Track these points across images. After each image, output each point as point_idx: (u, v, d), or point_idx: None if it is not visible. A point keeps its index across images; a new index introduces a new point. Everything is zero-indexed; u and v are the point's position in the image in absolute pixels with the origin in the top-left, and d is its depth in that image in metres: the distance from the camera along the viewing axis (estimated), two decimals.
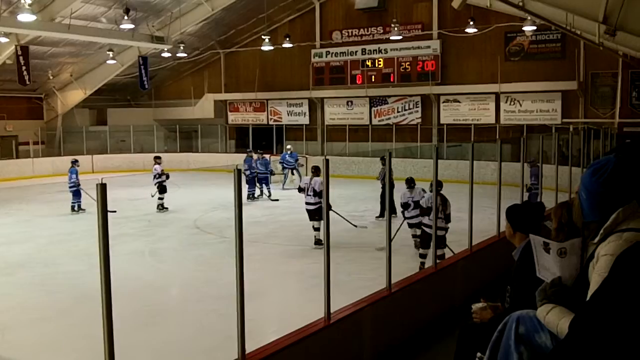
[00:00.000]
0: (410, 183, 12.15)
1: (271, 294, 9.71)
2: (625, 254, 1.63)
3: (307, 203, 13.10)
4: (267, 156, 21.51)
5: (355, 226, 13.76)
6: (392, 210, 15.05)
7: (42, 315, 8.89)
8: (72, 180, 17.92)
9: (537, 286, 2.84)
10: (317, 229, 12.78)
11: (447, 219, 10.16)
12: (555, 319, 2.51)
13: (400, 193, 12.18)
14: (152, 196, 18.27)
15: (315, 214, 12.84)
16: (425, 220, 10.32)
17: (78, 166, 18.48)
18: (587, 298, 2.21)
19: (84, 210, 17.70)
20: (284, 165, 23.33)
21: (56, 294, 9.99)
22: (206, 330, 8.17)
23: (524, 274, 3.61)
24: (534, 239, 3.00)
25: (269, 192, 20.39)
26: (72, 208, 17.87)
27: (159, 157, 19.23)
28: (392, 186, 14.68)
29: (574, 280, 2.67)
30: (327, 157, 6.02)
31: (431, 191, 12.03)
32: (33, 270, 11.52)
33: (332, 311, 5.65)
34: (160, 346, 7.67)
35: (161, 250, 13.48)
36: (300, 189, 13.71)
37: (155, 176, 18.28)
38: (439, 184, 10.07)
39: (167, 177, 18.43)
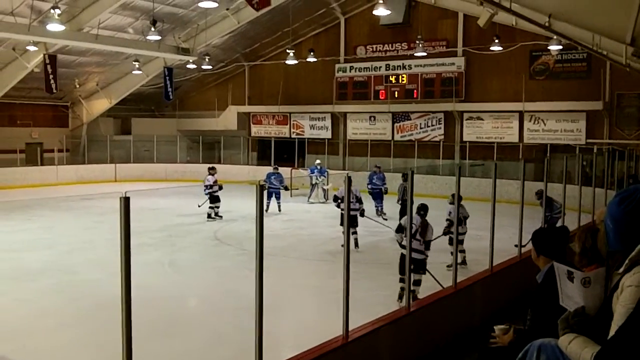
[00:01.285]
0: (420, 211, 11.21)
1: (288, 308, 9.68)
2: None
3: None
4: (280, 171, 21.46)
5: (388, 227, 13.92)
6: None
7: (61, 322, 8.96)
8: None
9: (559, 311, 2.80)
10: (354, 233, 13.48)
11: (427, 245, 9.85)
12: (578, 349, 2.47)
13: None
14: (199, 206, 18.45)
15: (352, 221, 13.54)
16: (414, 244, 9.78)
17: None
18: (611, 329, 2.17)
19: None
20: (315, 177, 23.27)
21: (76, 301, 10.05)
22: (223, 341, 8.18)
23: (546, 298, 3.57)
24: (558, 267, 2.97)
25: (279, 206, 20.22)
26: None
27: (213, 168, 19.25)
28: (412, 203, 14.64)
29: (597, 311, 2.63)
30: (349, 174, 6.01)
31: (450, 203, 12.27)
32: (53, 277, 11.62)
33: (350, 328, 5.62)
34: (177, 357, 7.68)
35: (181, 260, 13.53)
36: (337, 198, 14.55)
37: (206, 187, 18.42)
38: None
39: (220, 187, 18.64)
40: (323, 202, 22.09)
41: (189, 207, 18.73)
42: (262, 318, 4.56)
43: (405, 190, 15.67)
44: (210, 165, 19.69)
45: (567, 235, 4.30)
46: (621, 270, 2.30)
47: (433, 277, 9.20)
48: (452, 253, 11.74)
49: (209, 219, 18.28)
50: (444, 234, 12.18)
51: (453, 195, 12.20)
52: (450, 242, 12.18)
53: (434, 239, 10.20)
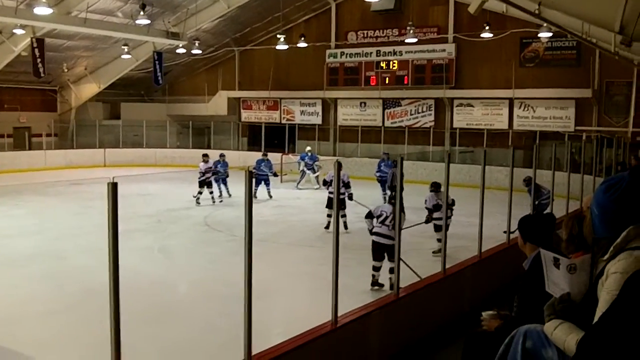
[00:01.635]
0: (436, 187, 12.37)
1: (278, 294, 9.72)
2: (637, 274, 1.61)
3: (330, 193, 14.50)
4: (270, 157, 21.45)
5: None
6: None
7: (50, 309, 8.95)
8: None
9: (545, 298, 2.83)
10: (343, 216, 14.02)
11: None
12: (563, 335, 2.50)
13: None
14: (193, 195, 18.71)
15: (340, 204, 14.14)
16: (383, 230, 9.90)
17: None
18: (596, 315, 2.20)
19: (221, 200, 18.93)
20: (305, 164, 23.24)
21: (65, 287, 10.05)
22: (213, 329, 8.20)
23: (533, 284, 3.60)
24: (544, 254, 2.99)
25: (269, 192, 20.25)
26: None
27: (206, 155, 19.33)
28: (402, 189, 14.76)
29: (582, 297, 2.66)
30: (339, 159, 6.01)
31: (431, 191, 12.45)
32: (43, 263, 11.60)
33: (339, 314, 5.65)
34: (167, 344, 7.70)
35: (171, 247, 13.54)
36: (326, 182, 15.22)
37: (200, 173, 18.64)
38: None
39: (214, 174, 19.01)
40: (317, 188, 22.07)
41: (179, 193, 18.68)
42: (251, 304, 4.58)
43: (394, 176, 15.73)
44: (204, 152, 19.63)
45: (554, 222, 4.33)
46: (606, 257, 2.33)
47: (407, 265, 9.06)
48: (438, 240, 11.88)
49: (197, 204, 18.42)
50: (426, 222, 12.28)
51: (433, 184, 12.45)
52: (435, 229, 12.30)
53: (406, 228, 10.10)
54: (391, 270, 9.50)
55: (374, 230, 9.95)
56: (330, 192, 14.73)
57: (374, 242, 9.89)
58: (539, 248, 3.91)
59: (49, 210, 17.57)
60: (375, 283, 9.83)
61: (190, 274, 11.43)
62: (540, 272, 3.06)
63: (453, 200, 11.53)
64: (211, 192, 18.78)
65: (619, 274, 2.17)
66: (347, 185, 14.96)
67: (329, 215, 14.64)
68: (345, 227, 14.10)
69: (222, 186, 19.73)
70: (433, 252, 11.81)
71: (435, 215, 12.13)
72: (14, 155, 27.80)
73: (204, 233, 15.00)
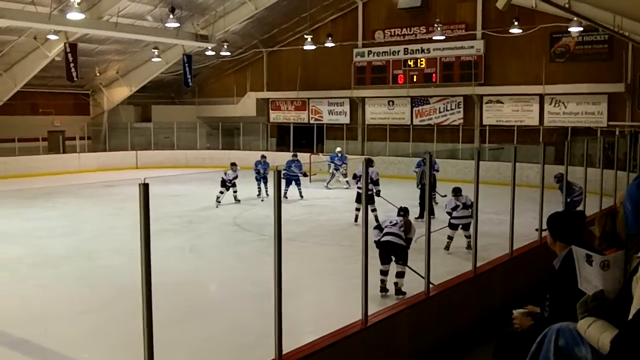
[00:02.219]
0: (457, 192, 12.41)
1: (308, 293, 9.74)
2: None
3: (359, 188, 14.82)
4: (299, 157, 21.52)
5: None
6: (432, 212, 15.15)
7: (83, 308, 9.08)
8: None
9: (577, 297, 2.79)
10: (373, 210, 14.14)
11: (408, 242, 9.37)
12: (597, 333, 2.46)
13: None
14: (237, 200, 18.98)
15: (369, 199, 14.55)
16: (395, 229, 9.41)
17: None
18: (630, 312, 2.16)
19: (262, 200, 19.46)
20: (334, 165, 23.28)
21: (98, 287, 10.18)
22: (243, 327, 8.24)
23: (564, 283, 3.55)
24: (576, 251, 2.95)
25: (300, 192, 20.23)
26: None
27: (235, 164, 19.26)
28: (433, 187, 14.91)
29: (616, 294, 2.62)
30: (368, 157, 6.00)
31: (453, 196, 12.44)
32: (76, 264, 11.77)
33: (369, 313, 5.64)
34: (198, 342, 7.76)
35: (201, 246, 13.64)
36: (355, 176, 15.78)
37: (224, 182, 18.73)
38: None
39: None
40: (347, 188, 22.08)
41: (209, 193, 18.82)
42: (281, 303, 4.59)
43: (423, 174, 15.66)
44: (233, 162, 19.74)
45: (584, 220, 4.24)
46: None
47: (413, 270, 8.70)
48: (466, 236, 11.86)
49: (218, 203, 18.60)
50: (449, 226, 12.23)
51: (454, 189, 12.59)
52: (450, 227, 12.22)
53: (417, 239, 9.94)
54: (398, 275, 9.27)
55: (384, 232, 9.43)
56: (359, 187, 14.96)
57: (382, 242, 9.33)
58: (569, 246, 3.85)
59: (82, 212, 17.85)
60: (384, 289, 9.32)
61: (220, 273, 11.52)
62: (571, 270, 3.01)
63: (472, 202, 11.45)
64: (235, 192, 18.93)
65: None
66: (375, 183, 15.11)
67: (357, 209, 14.82)
68: (376, 220, 14.01)
69: (263, 185, 20.08)
70: (466, 248, 11.75)
71: (454, 214, 12.23)
72: (48, 159, 28.30)
73: (233, 233, 15.09)
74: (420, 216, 15.20)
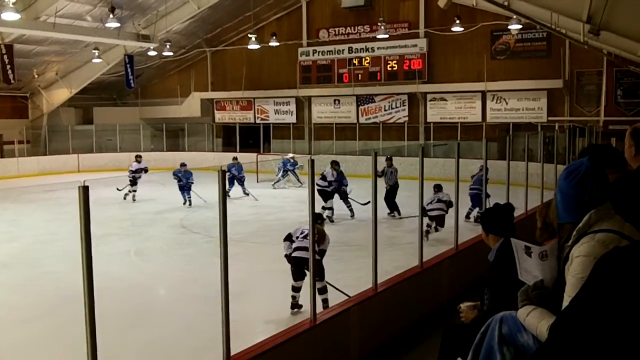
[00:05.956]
0: (438, 188, 13.25)
1: (257, 294, 9.69)
2: (604, 258, 1.63)
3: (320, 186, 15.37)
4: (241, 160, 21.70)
5: (364, 204, 14.43)
6: (395, 209, 15.46)
7: (28, 316, 8.82)
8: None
9: (515, 286, 2.86)
10: (329, 208, 15.55)
11: (321, 254, 8.27)
12: (535, 321, 2.53)
13: None
14: (119, 190, 19.47)
15: (326, 195, 15.67)
16: (304, 243, 8.34)
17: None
18: (564, 300, 2.24)
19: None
20: (285, 169, 23.23)
21: (41, 294, 9.90)
22: (192, 330, 8.15)
23: (501, 274, 3.65)
24: (515, 243, 3.03)
25: (243, 190, 20.43)
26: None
27: (139, 156, 20.33)
28: (397, 186, 15.46)
29: (554, 282, 2.69)
30: (313, 157, 6.01)
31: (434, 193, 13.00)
32: (18, 271, 11.43)
33: (317, 311, 5.65)
34: (145, 346, 7.64)
35: (147, 250, 13.41)
36: (383, 173, 16.16)
37: (130, 172, 19.58)
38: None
39: (145, 171, 20.20)
40: (299, 186, 22.18)
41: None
42: (228, 305, 4.56)
43: (386, 174, 15.95)
44: (137, 154, 21.05)
45: (512, 212, 4.40)
46: (570, 242, 2.37)
47: (333, 286, 8.36)
48: (427, 225, 12.16)
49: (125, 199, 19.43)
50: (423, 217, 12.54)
51: (435, 185, 13.22)
52: (429, 218, 12.70)
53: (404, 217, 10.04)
54: (320, 292, 8.08)
55: (294, 245, 8.55)
56: (323, 186, 15.63)
57: (294, 258, 8.45)
58: (501, 239, 3.97)
59: (23, 218, 17.32)
60: (295, 305, 8.53)
61: (168, 276, 11.35)
62: (506, 261, 3.10)
63: (451, 202, 12.06)
64: (134, 191, 19.75)
65: (583, 258, 2.22)
66: (328, 182, 15.84)
67: (327, 209, 15.57)
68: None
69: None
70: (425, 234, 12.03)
71: (428, 207, 12.80)
72: None
73: (180, 235, 14.91)
74: (391, 213, 15.83)
